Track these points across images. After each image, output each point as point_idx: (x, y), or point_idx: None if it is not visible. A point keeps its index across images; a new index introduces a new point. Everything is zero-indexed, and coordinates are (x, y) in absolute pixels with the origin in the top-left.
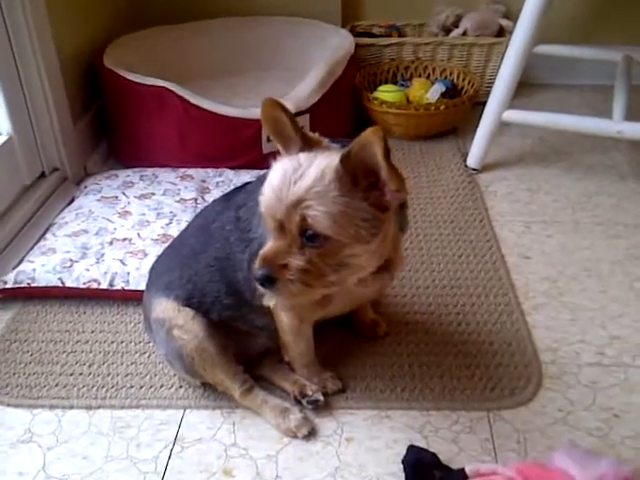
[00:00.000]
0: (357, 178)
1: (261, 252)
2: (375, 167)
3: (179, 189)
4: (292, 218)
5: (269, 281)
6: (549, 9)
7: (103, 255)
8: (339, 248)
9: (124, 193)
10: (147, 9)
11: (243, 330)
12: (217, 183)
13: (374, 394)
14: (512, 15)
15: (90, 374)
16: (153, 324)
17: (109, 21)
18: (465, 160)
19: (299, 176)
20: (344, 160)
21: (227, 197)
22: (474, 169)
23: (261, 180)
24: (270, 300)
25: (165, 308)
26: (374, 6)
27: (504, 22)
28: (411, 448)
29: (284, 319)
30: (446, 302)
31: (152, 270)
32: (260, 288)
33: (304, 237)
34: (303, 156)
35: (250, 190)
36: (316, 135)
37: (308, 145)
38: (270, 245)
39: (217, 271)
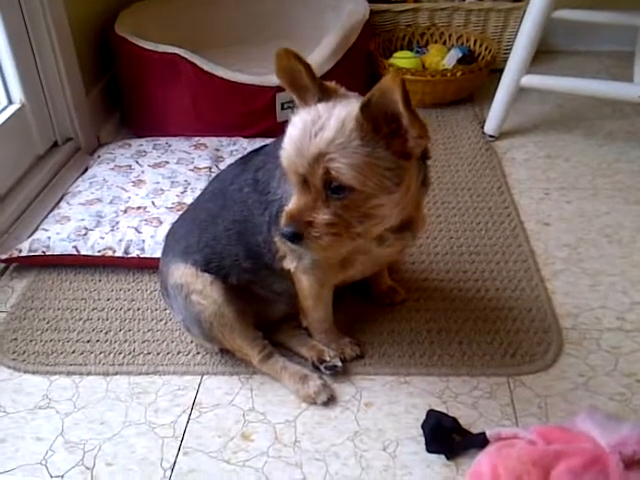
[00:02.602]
0: (378, 126)
1: (286, 209)
2: (396, 113)
3: (193, 158)
4: (315, 172)
5: (297, 237)
6: None
7: (118, 223)
8: (364, 199)
9: (138, 162)
10: None
11: (262, 295)
12: (231, 152)
13: (392, 360)
14: None
15: (107, 341)
16: (171, 289)
17: None
18: (482, 127)
19: (319, 128)
20: (364, 108)
21: (245, 160)
22: (492, 136)
23: (279, 142)
24: (291, 263)
25: (183, 273)
26: None
27: None
28: (431, 412)
29: (304, 283)
30: (465, 269)
31: (169, 235)
32: (289, 244)
33: (328, 190)
34: (322, 107)
35: (268, 152)
36: (333, 84)
37: (326, 95)
38: (295, 201)
39: (235, 234)
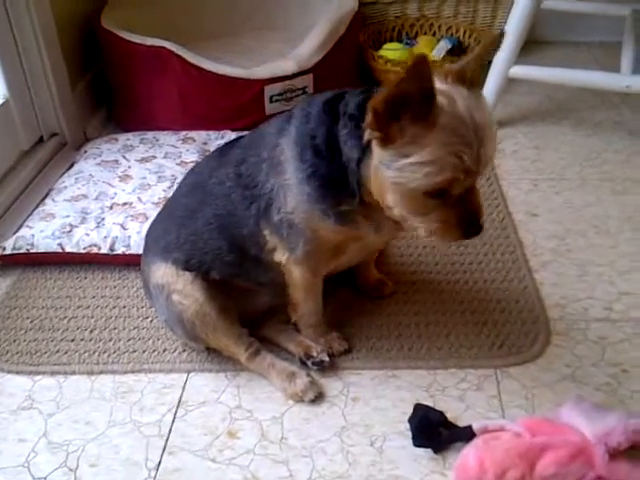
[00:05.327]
0: None
1: (472, 208)
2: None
3: (180, 152)
4: (490, 165)
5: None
6: None
7: (103, 219)
8: None
9: (124, 157)
10: None
11: (245, 288)
12: (218, 145)
13: (380, 354)
14: None
15: (92, 339)
16: (152, 290)
17: None
18: None
19: (482, 131)
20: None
21: (221, 153)
22: None
23: (256, 135)
24: (282, 255)
25: (164, 273)
26: None
27: None
28: (418, 406)
29: (297, 274)
30: (453, 261)
31: (148, 235)
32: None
33: None
34: (460, 99)
35: (246, 145)
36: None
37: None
38: (475, 197)
39: (217, 228)
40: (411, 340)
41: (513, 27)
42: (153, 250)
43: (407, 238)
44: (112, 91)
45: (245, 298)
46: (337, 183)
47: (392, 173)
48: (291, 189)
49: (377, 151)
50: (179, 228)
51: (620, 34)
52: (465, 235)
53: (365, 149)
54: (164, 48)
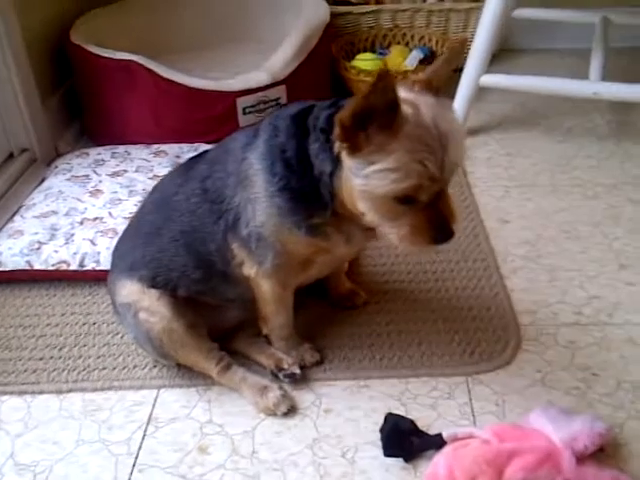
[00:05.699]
0: None
1: (431, 219)
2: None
3: (152, 165)
4: (454, 173)
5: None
6: None
7: (73, 235)
8: None
9: (95, 171)
10: None
11: (213, 304)
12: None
13: (353, 364)
14: None
15: (61, 357)
16: (119, 308)
17: None
18: None
19: (449, 138)
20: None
21: (185, 168)
22: None
23: (220, 149)
24: (251, 269)
25: (130, 291)
26: None
27: None
28: (389, 416)
29: (266, 287)
30: (425, 269)
31: (114, 252)
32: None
33: None
34: (425, 107)
35: (212, 160)
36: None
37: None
38: (447, 202)
39: (183, 245)
40: (383, 349)
41: (482, 36)
42: (119, 267)
43: (380, 247)
44: (84, 105)
45: (214, 313)
46: (309, 196)
47: (360, 181)
48: (260, 202)
49: (346, 160)
50: (144, 245)
51: (591, 40)
52: (435, 240)
53: (337, 162)
54: (133, 62)
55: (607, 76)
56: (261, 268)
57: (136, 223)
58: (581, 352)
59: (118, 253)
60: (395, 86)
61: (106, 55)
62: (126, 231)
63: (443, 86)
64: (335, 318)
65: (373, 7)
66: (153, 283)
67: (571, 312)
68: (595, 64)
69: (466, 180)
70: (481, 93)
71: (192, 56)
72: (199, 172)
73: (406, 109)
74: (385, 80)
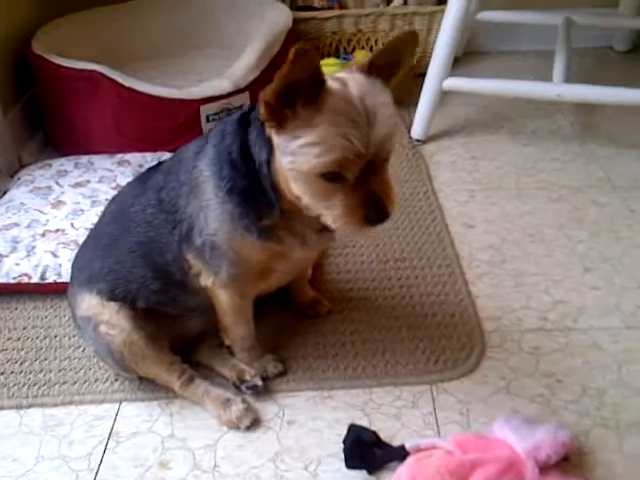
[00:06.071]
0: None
1: (362, 198)
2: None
3: (115, 175)
4: (384, 151)
5: (385, 220)
6: None
7: (34, 248)
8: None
9: (58, 182)
10: None
11: (174, 314)
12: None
13: (316, 374)
14: None
15: (21, 372)
16: (80, 322)
17: (40, 4)
18: (409, 132)
19: (375, 112)
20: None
21: (142, 179)
22: (418, 140)
23: (176, 159)
24: (208, 279)
25: (89, 305)
26: None
27: None
28: (352, 427)
29: (223, 298)
30: (389, 276)
31: (73, 264)
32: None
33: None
34: (354, 84)
35: (166, 170)
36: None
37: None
38: (375, 184)
39: (140, 256)
40: (347, 359)
41: (445, 40)
42: (78, 280)
43: (344, 254)
44: (47, 115)
45: (175, 324)
46: (255, 196)
47: (287, 159)
48: (212, 209)
49: (275, 140)
50: (102, 257)
51: (555, 42)
52: (367, 220)
53: (270, 146)
54: (95, 72)
55: (571, 77)
56: (217, 278)
57: (95, 234)
58: (545, 358)
59: (77, 265)
60: (317, 60)
61: (67, 65)
62: (85, 242)
63: (389, 72)
64: (299, 327)
65: (337, 12)
66: (112, 295)
67: (536, 318)
68: (558, 66)
69: (431, 185)
70: (445, 97)
71: (156, 64)
72: (155, 182)
73: (333, 84)
74: (305, 55)
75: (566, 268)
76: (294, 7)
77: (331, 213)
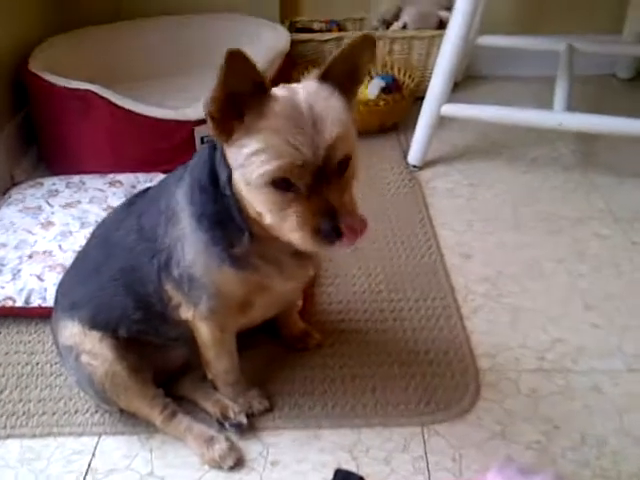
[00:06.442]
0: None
1: (314, 208)
2: (360, 68)
3: (107, 196)
4: (334, 157)
5: (341, 234)
6: (485, 1)
7: (20, 271)
8: (354, 165)
9: (48, 202)
10: (78, 9)
11: (157, 344)
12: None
13: (303, 412)
14: (452, 7)
15: (0, 401)
16: (62, 350)
17: (38, 22)
18: (406, 157)
19: (321, 116)
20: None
21: (129, 204)
22: (415, 166)
23: (162, 186)
24: (187, 312)
25: (71, 333)
26: (314, 1)
27: (444, 14)
28: (338, 472)
29: (204, 331)
30: (382, 307)
31: (58, 289)
32: (324, 246)
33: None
34: (289, 94)
35: (151, 197)
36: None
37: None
38: (322, 196)
39: (122, 284)
40: (336, 396)
41: (444, 65)
42: (61, 306)
43: (336, 284)
44: (41, 134)
45: (158, 354)
46: (225, 221)
47: (238, 172)
48: (187, 239)
49: (227, 155)
50: (86, 283)
51: (555, 67)
52: (320, 230)
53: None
54: (89, 91)
55: (573, 105)
56: (197, 311)
57: (80, 259)
58: (543, 401)
59: (61, 290)
60: (253, 64)
61: (61, 84)
62: (71, 267)
63: (346, 77)
64: (286, 361)
65: (335, 35)
66: (94, 323)
67: (533, 357)
68: (560, 93)
69: (427, 212)
70: (443, 121)
71: (152, 83)
72: (139, 208)
73: (280, 91)
74: (238, 57)
75: (565, 304)
76: (292, 29)
77: (286, 226)
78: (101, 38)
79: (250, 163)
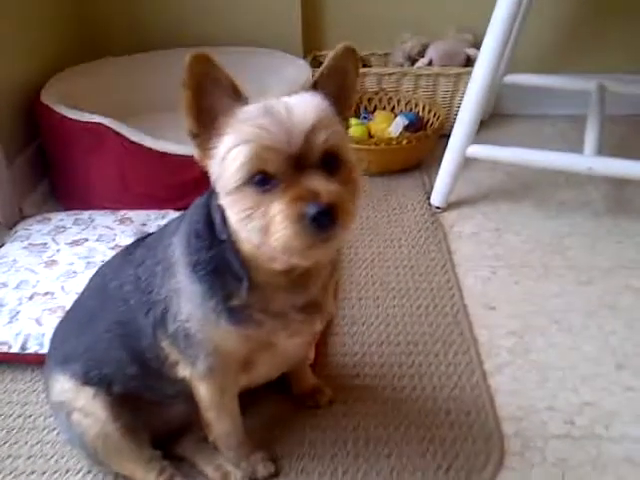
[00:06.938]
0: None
1: (300, 190)
2: (349, 80)
3: (115, 234)
4: (314, 146)
5: (330, 219)
6: (515, 39)
7: (18, 313)
8: (351, 171)
9: (54, 239)
10: (95, 40)
11: (154, 400)
12: (159, 226)
13: (311, 478)
14: (479, 45)
15: None
16: (53, 406)
17: (55, 53)
18: (429, 197)
19: (295, 104)
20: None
21: (127, 251)
22: (438, 207)
23: (161, 233)
24: (185, 370)
25: (62, 388)
26: (337, 35)
27: (471, 52)
28: None
29: (203, 392)
30: (400, 362)
31: (52, 339)
32: (313, 235)
33: (322, 166)
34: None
35: (149, 245)
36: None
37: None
38: (306, 182)
39: (117, 337)
40: (347, 461)
41: (470, 105)
42: (54, 358)
43: (352, 333)
44: (51, 167)
45: (156, 412)
46: (221, 268)
47: (219, 185)
48: (183, 292)
49: (210, 172)
50: (79, 335)
51: (585, 106)
52: (307, 217)
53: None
54: (101, 124)
55: (603, 147)
56: (194, 370)
57: (75, 308)
58: (572, 473)
59: (55, 341)
60: (219, 66)
61: (73, 116)
62: (65, 316)
63: (338, 97)
64: (295, 420)
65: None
66: (87, 378)
67: (562, 421)
68: (590, 135)
69: (450, 258)
70: (467, 161)
71: (168, 116)
72: (136, 256)
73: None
74: (199, 58)
75: (597, 363)
76: (316, 63)
77: (270, 231)
78: (116, 70)
79: (225, 167)
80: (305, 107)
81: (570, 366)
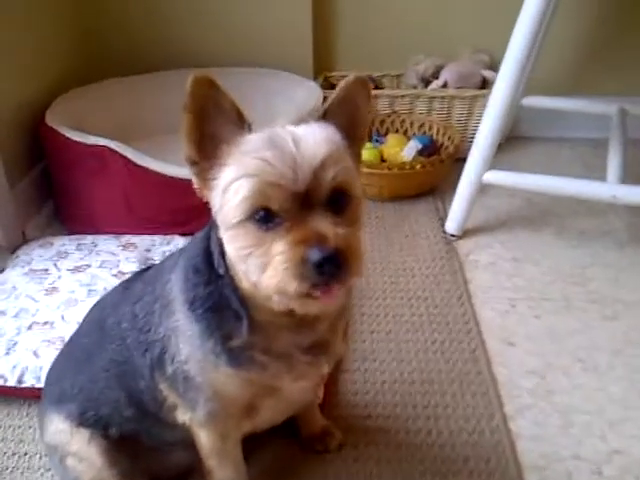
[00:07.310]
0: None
1: (299, 236)
2: (359, 115)
3: (119, 260)
4: (322, 183)
5: (337, 265)
6: (533, 61)
7: (15, 345)
8: (357, 207)
9: (56, 265)
10: (100, 61)
11: (152, 446)
12: (163, 253)
13: None
14: (496, 66)
15: None
16: (47, 447)
17: (60, 74)
18: (444, 224)
19: (303, 136)
20: (330, 111)
21: (126, 285)
22: (453, 235)
23: (160, 266)
24: (184, 415)
25: (56, 429)
26: (349, 56)
27: (487, 73)
28: None
29: (204, 438)
30: (415, 402)
31: (48, 375)
32: (317, 282)
33: (329, 204)
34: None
35: (148, 280)
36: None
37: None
38: (311, 223)
39: (114, 377)
40: None
41: (487, 130)
42: (49, 397)
43: (364, 370)
44: (55, 189)
45: (155, 457)
46: (219, 305)
47: (219, 219)
48: (182, 330)
49: (211, 204)
50: (75, 373)
51: (605, 130)
52: (310, 261)
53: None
54: (106, 147)
55: (627, 173)
56: (194, 415)
57: (71, 344)
58: None
59: (50, 379)
60: (222, 90)
61: (77, 139)
62: (61, 352)
63: (349, 128)
64: (303, 466)
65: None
66: (82, 420)
67: (589, 471)
68: (613, 162)
69: (466, 289)
70: (483, 187)
71: (172, 139)
72: (134, 292)
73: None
74: (202, 81)
75: (625, 406)
76: (327, 84)
77: (269, 272)
78: (121, 91)
79: (226, 200)
80: (314, 140)
81: (596, 410)
